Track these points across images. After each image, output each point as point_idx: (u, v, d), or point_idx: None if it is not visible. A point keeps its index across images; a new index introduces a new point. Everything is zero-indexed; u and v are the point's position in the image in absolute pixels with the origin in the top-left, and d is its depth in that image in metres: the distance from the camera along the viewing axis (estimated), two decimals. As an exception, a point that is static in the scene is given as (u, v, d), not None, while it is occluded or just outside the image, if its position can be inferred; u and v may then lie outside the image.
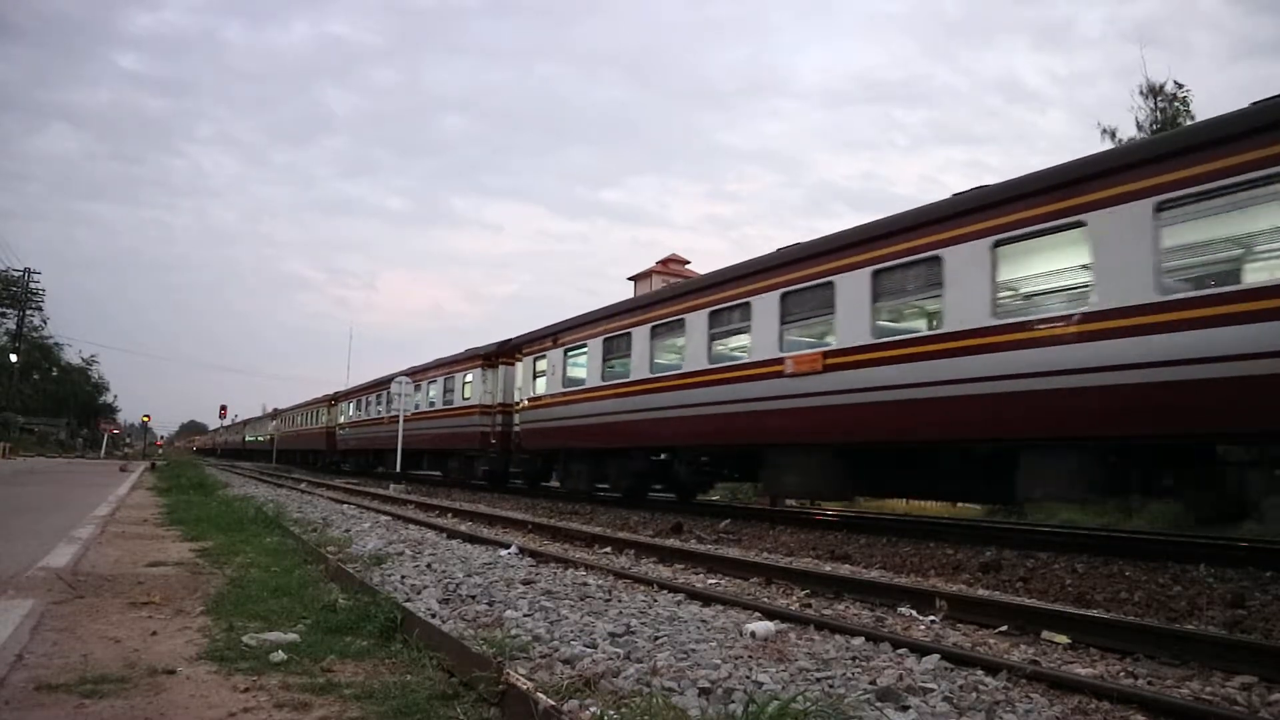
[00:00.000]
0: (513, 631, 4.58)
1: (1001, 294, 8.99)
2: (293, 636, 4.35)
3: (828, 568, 8.06)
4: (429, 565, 7.37)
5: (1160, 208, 7.49)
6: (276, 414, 55.13)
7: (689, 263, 42.34)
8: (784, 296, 11.56)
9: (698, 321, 13.30)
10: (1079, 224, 8.11)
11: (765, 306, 11.86)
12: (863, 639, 4.79)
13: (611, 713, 3.04)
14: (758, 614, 5.41)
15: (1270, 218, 7.19)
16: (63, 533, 8.66)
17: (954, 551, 8.88)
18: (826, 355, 10.73)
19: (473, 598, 5.77)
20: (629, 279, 43.19)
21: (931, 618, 5.61)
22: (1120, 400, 7.62)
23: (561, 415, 17.25)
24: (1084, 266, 8.20)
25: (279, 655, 3.97)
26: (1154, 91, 22.39)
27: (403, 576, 6.61)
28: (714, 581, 7.17)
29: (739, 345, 12.69)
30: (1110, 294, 7.78)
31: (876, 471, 11.15)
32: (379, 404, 31.03)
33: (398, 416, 25.74)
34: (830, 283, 10.78)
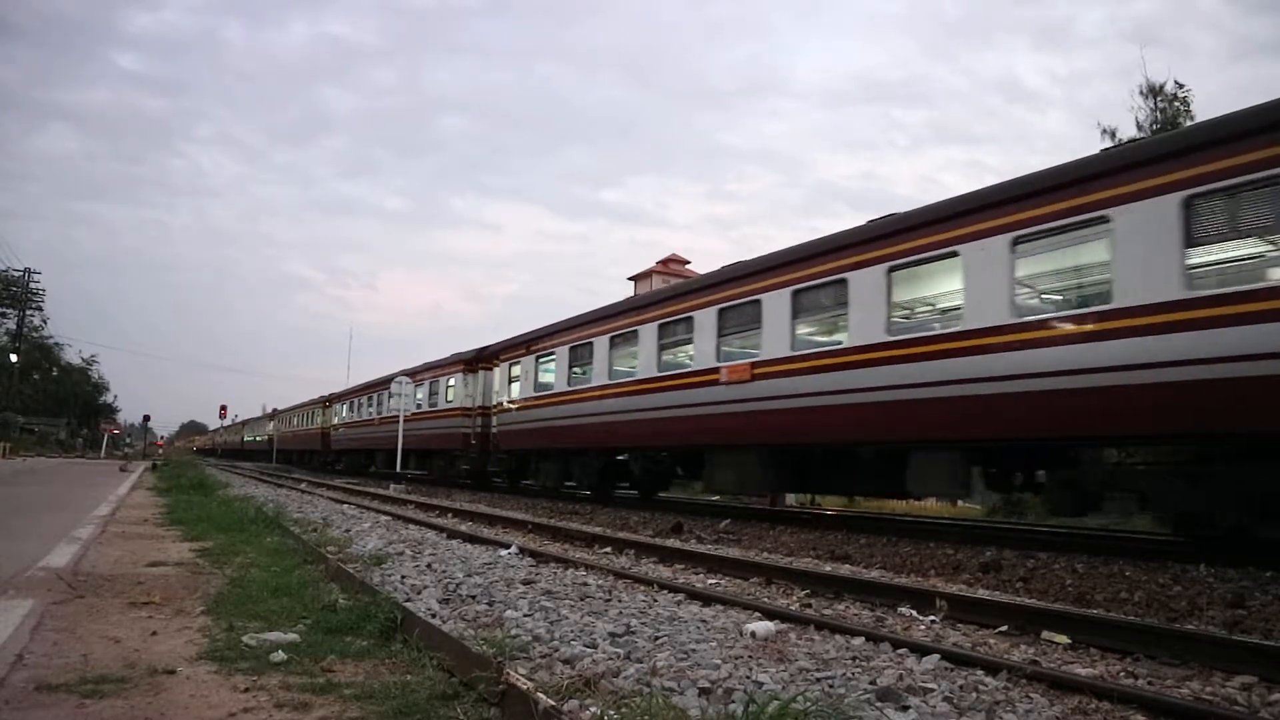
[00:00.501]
0: (513, 631, 4.58)
1: (895, 314, 10.17)
2: (293, 636, 4.35)
3: (828, 568, 8.06)
4: (429, 565, 7.37)
5: (1014, 243, 8.70)
6: (274, 415, 56.21)
7: (689, 262, 42.32)
8: (721, 312, 12.76)
9: (649, 333, 14.53)
10: (954, 254, 9.32)
11: (705, 321, 13.08)
12: (863, 639, 4.79)
13: (611, 713, 3.04)
14: (758, 614, 5.41)
15: (1095, 254, 8.32)
16: (63, 533, 8.65)
17: (954, 551, 8.87)
18: (754, 366, 11.93)
19: (473, 598, 5.77)
20: (629, 279, 43.17)
21: (931, 618, 5.61)
22: (982, 408, 8.75)
23: (533, 418, 18.45)
24: (956, 292, 9.39)
25: (279, 655, 3.97)
26: (1154, 91, 22.36)
27: (403, 576, 6.61)
28: (714, 581, 7.17)
29: (683, 355, 13.85)
30: (977, 316, 8.91)
31: (799, 470, 12.34)
32: (370, 405, 32.08)
33: (389, 417, 27.27)
34: (758, 300, 11.97)
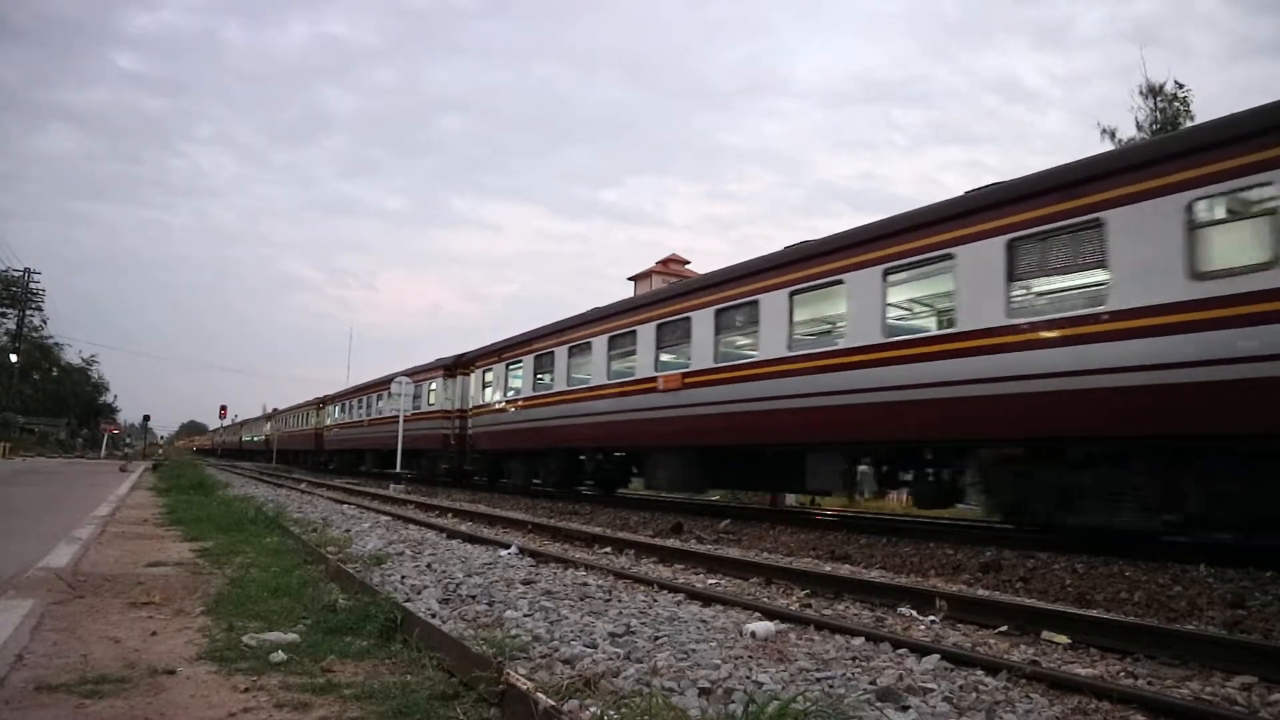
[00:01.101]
0: (513, 631, 4.58)
1: (795, 331, 11.64)
2: (293, 636, 4.35)
3: (828, 568, 8.07)
4: (429, 565, 7.37)
5: (885, 274, 10.20)
6: (271, 416, 57.41)
7: (689, 262, 42.29)
8: (659, 327, 14.36)
9: (601, 344, 16.07)
10: (840, 281, 10.81)
11: (646, 335, 14.67)
12: (863, 639, 4.79)
13: (611, 713, 3.04)
14: (758, 614, 5.41)
15: (943, 284, 9.77)
16: (63, 533, 8.65)
17: (954, 551, 8.88)
18: (685, 376, 13.47)
19: (473, 598, 5.77)
20: (629, 279, 43.15)
21: (931, 618, 5.61)
22: (859, 416, 10.25)
23: (504, 420, 20.18)
24: (841, 315, 10.99)
25: (279, 655, 3.97)
26: (1154, 92, 22.37)
27: (403, 576, 6.61)
28: (714, 581, 7.17)
29: (629, 365, 15.23)
30: (855, 337, 10.52)
31: (723, 468, 14.02)
32: (360, 407, 33.48)
33: (378, 419, 29.18)
34: (689, 318, 13.56)
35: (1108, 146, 21.44)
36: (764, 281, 12.07)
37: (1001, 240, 8.83)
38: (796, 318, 11.60)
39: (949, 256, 9.43)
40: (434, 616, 4.95)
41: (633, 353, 15.05)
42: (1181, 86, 22.31)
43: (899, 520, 13.34)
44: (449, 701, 3.34)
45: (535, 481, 19.56)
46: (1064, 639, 4.95)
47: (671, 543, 9.87)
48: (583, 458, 17.58)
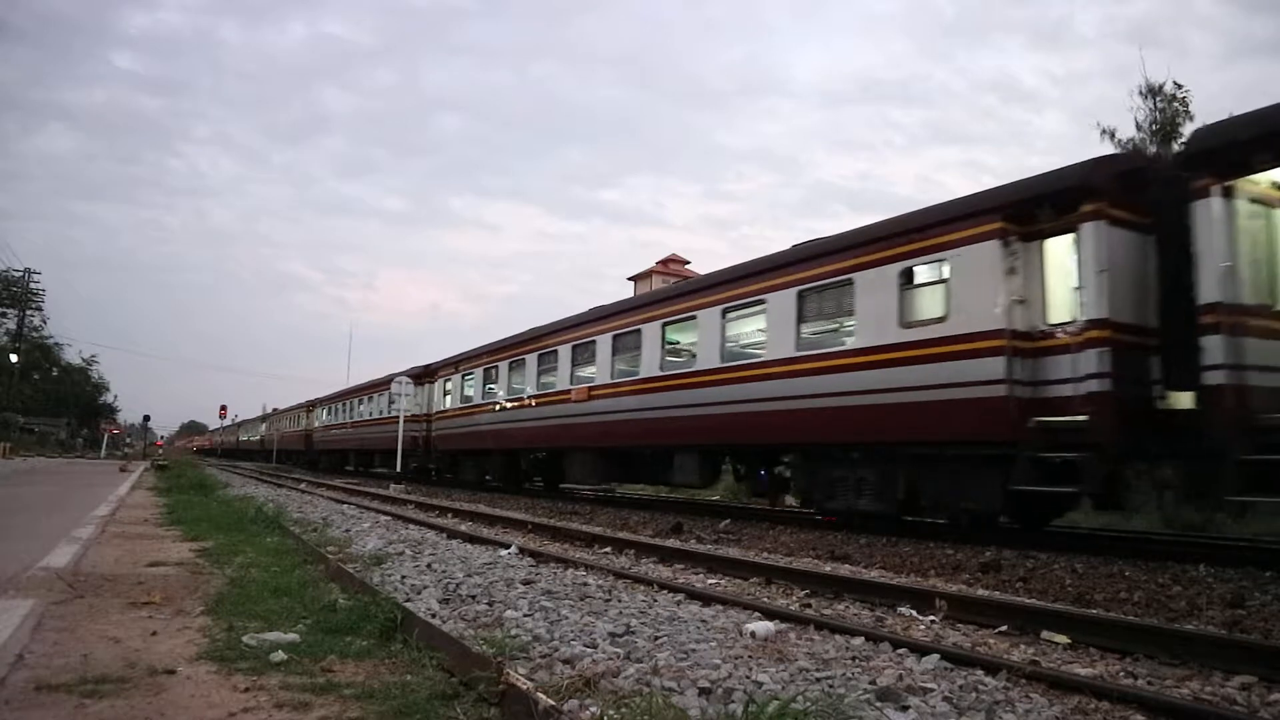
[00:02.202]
0: (513, 631, 4.59)
1: (665, 356, 14.48)
2: (293, 636, 4.35)
3: (828, 568, 8.06)
4: (429, 565, 7.37)
5: (724, 313, 13.08)
6: (266, 417, 60.05)
7: (689, 262, 42.26)
8: (574, 347, 17.26)
9: (532, 360, 19.08)
10: (693, 317, 13.76)
11: (565, 353, 17.59)
12: (863, 639, 4.79)
13: (611, 713, 3.04)
14: (758, 614, 5.41)
15: (759, 323, 12.51)
16: (63, 533, 8.66)
17: (954, 551, 8.87)
18: (591, 389, 16.27)
19: (473, 598, 5.77)
20: (629, 279, 43.13)
21: (931, 618, 5.60)
22: (706, 425, 13.09)
23: (459, 424, 23.07)
24: (695, 343, 13.77)
25: (279, 655, 3.97)
26: (1153, 92, 22.30)
27: (403, 576, 6.61)
28: (714, 581, 7.17)
29: (552, 379, 18.10)
30: (704, 361, 13.32)
31: (622, 465, 16.61)
32: (345, 410, 36.51)
33: (361, 421, 32.92)
34: (594, 340, 16.48)
35: (1108, 147, 21.36)
36: (644, 314, 15.09)
37: (794, 291, 11.62)
38: (666, 344, 14.51)
39: (762, 301, 12.27)
40: (434, 616, 4.95)
41: (555, 368, 18.00)
42: (1181, 87, 22.25)
43: (899, 520, 13.33)
44: (449, 701, 3.34)
45: (487, 478, 22.57)
46: (1064, 639, 4.95)
47: (671, 543, 9.87)
48: (521, 458, 20.61)
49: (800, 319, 11.56)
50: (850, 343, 10.67)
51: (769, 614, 5.39)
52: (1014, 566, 7.98)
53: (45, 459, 43.51)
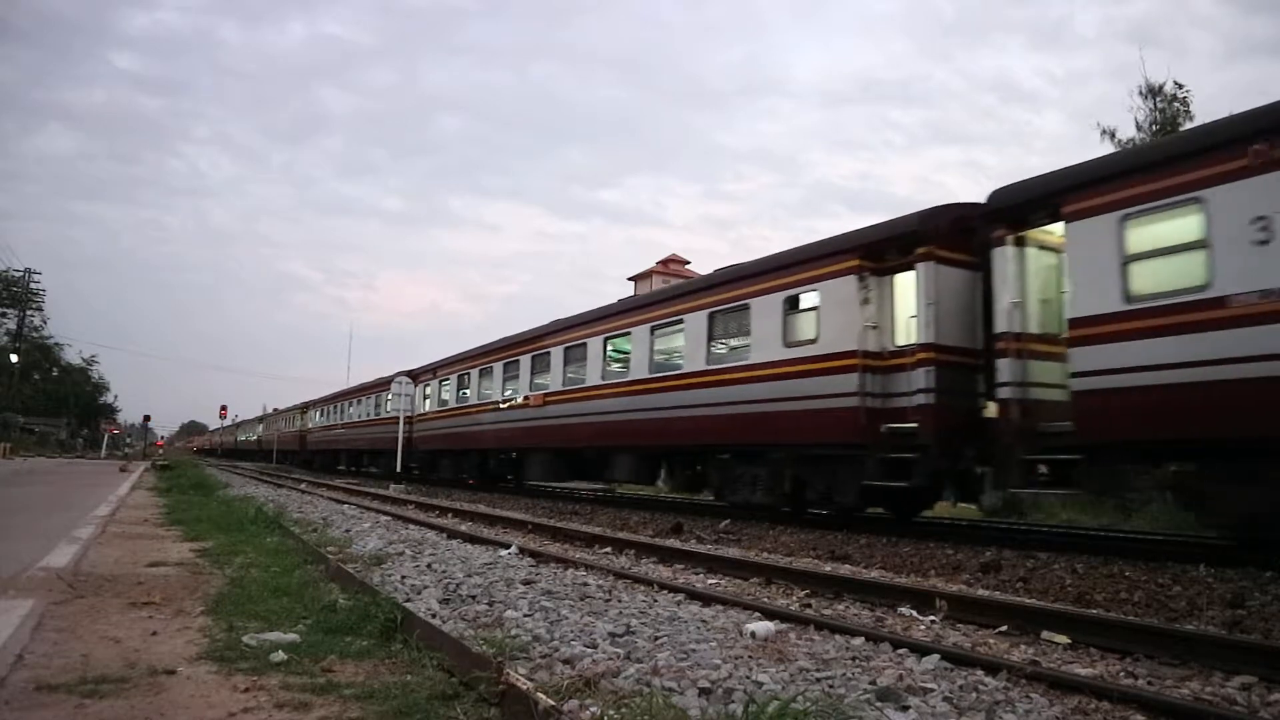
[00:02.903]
0: (513, 631, 4.59)
1: (607, 366, 16.14)
2: (293, 637, 4.35)
3: (828, 568, 8.06)
4: (429, 565, 7.37)
5: (653, 330, 14.81)
6: (263, 418, 61.85)
7: (689, 262, 42.25)
8: (534, 358, 19.05)
9: (499, 369, 20.91)
10: (628, 332, 15.53)
11: (525, 363, 19.41)
12: (863, 639, 4.79)
13: (611, 713, 3.05)
14: (758, 614, 5.41)
15: (679, 340, 14.16)
16: (63, 533, 8.66)
17: (954, 551, 8.87)
18: (545, 396, 18.08)
19: (473, 598, 5.77)
20: (629, 279, 43.12)
21: (931, 618, 5.61)
22: (640, 429, 14.68)
23: (436, 426, 25.06)
24: (628, 355, 15.47)
25: (279, 655, 3.97)
26: (1153, 92, 22.29)
27: (403, 576, 6.61)
28: (714, 581, 7.17)
29: (515, 386, 19.93)
30: (636, 372, 15.00)
31: (573, 465, 18.12)
32: (336, 413, 38.38)
33: (350, 422, 34.98)
34: (549, 351, 18.32)
35: (1108, 147, 21.39)
36: (590, 329, 16.85)
37: (706, 313, 13.39)
38: (608, 356, 16.18)
39: (681, 321, 14.04)
40: (434, 616, 4.95)
41: (517, 376, 19.79)
42: (1181, 87, 22.23)
43: (901, 520, 13.32)
44: (449, 701, 3.34)
45: (462, 475, 24.40)
46: (1064, 639, 4.95)
47: (671, 543, 9.87)
48: (490, 458, 22.33)
49: (711, 337, 13.36)
50: (748, 359, 12.40)
51: (769, 614, 5.39)
52: (1014, 566, 7.98)
53: (45, 459, 43.51)
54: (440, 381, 25.61)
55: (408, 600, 5.38)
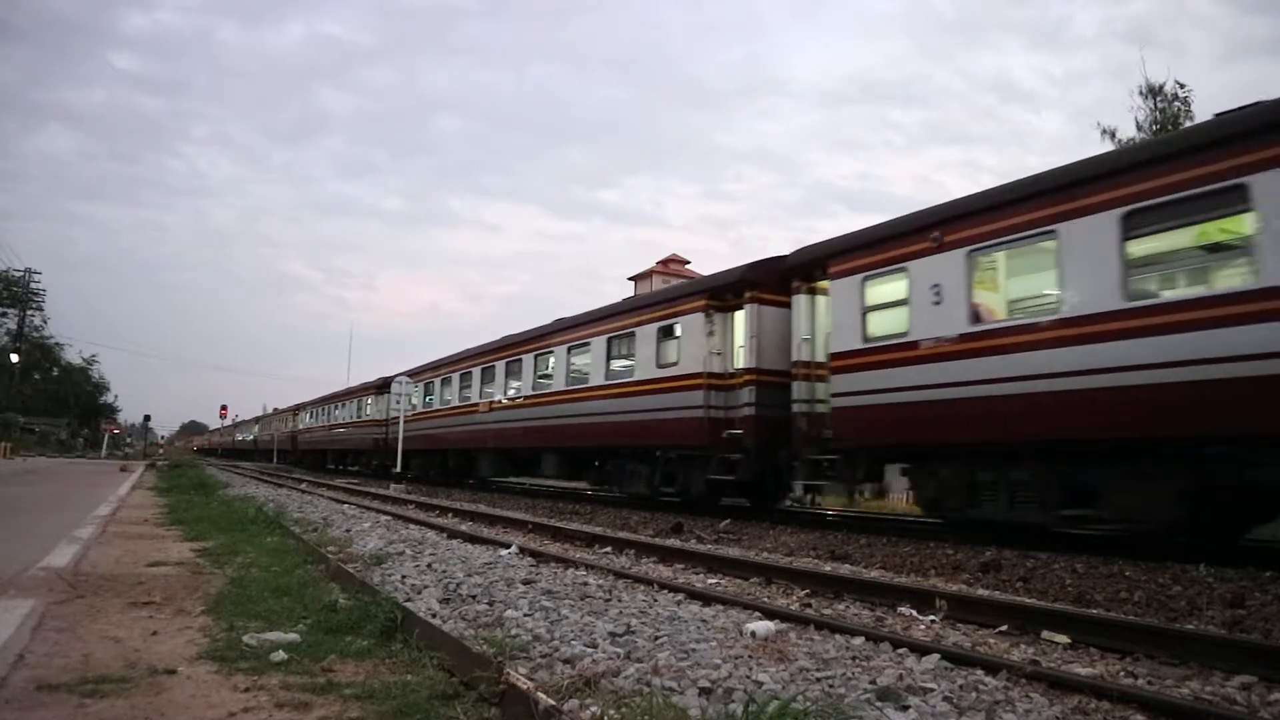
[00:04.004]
0: (513, 631, 4.58)
1: (537, 379, 18.68)
2: (293, 636, 4.35)
3: (828, 568, 8.06)
4: (429, 565, 7.37)
5: (569, 350, 17.35)
6: (260, 419, 64.31)
7: (689, 262, 42.22)
8: (483, 370, 21.78)
9: (456, 379, 23.94)
10: (551, 351, 18.20)
11: (476, 374, 22.27)
12: (863, 639, 4.79)
13: (612, 712, 3.05)
14: (758, 614, 5.41)
15: (588, 357, 16.74)
16: (63, 532, 8.66)
17: (954, 551, 8.88)
18: (491, 404, 21.01)
19: (473, 597, 5.77)
20: (629, 279, 43.09)
21: (931, 618, 5.61)
22: (563, 432, 17.12)
23: (409, 429, 26.35)
24: (552, 369, 18.13)
25: (279, 655, 3.97)
26: (1154, 92, 22.30)
27: (403, 576, 6.61)
28: (714, 581, 7.17)
29: (469, 394, 22.70)
30: (558, 384, 17.64)
31: (513, 463, 21.13)
32: (324, 414, 41.29)
33: (337, 423, 37.92)
34: (494, 365, 21.11)
35: (1109, 146, 21.42)
36: (525, 347, 19.42)
37: (605, 337, 16.01)
38: (537, 370, 18.77)
39: (588, 343, 16.69)
40: (434, 616, 4.95)
41: (471, 386, 22.47)
42: (1183, 86, 22.25)
43: (899, 520, 13.34)
44: (449, 701, 3.34)
45: (429, 472, 27.00)
46: (1064, 639, 4.95)
47: (671, 542, 9.87)
48: (450, 457, 25.21)
49: (609, 357, 15.84)
50: (634, 376, 14.92)
51: (769, 614, 5.39)
52: (1014, 566, 7.98)
53: (46, 459, 43.51)
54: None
55: (408, 600, 5.38)
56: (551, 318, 19.79)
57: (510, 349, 20.33)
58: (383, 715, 3.23)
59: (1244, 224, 7.22)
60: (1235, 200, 7.18)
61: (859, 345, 10.70)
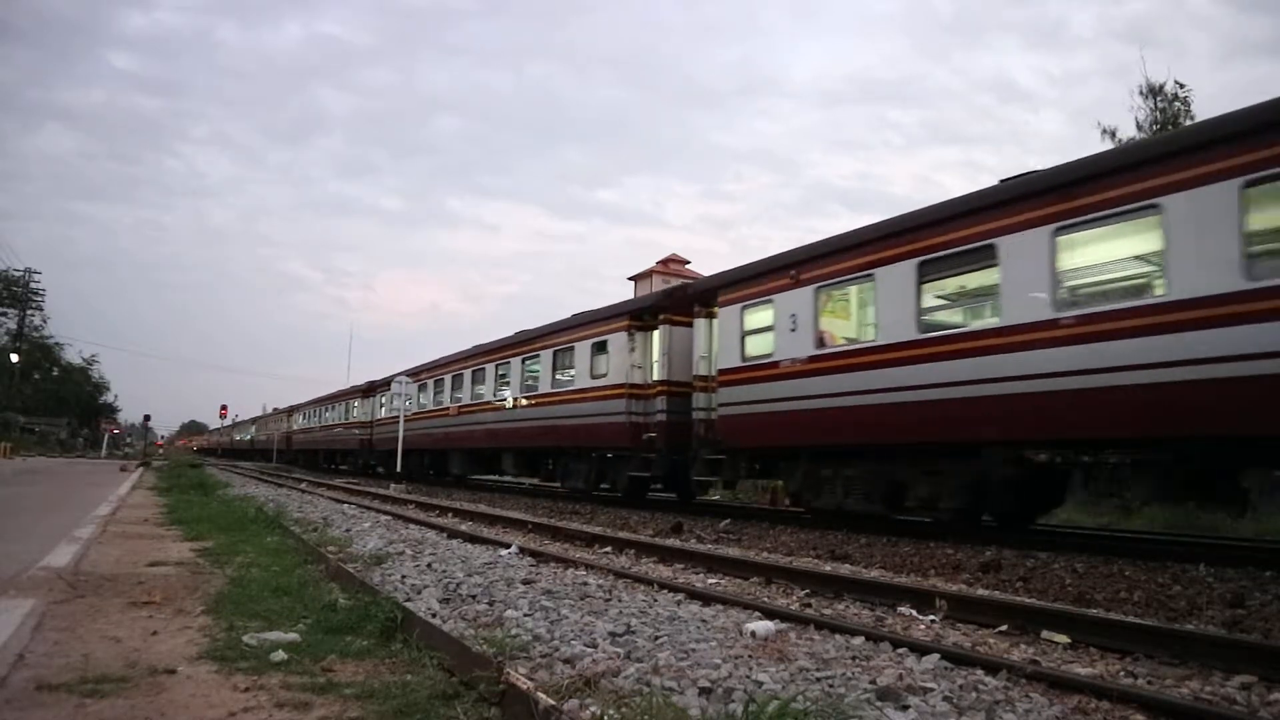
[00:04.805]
0: (513, 631, 4.58)
1: (498, 386, 21.10)
2: (293, 636, 4.35)
3: (828, 567, 8.06)
4: (429, 565, 7.37)
5: (523, 361, 19.72)
6: (256, 420, 66.23)
7: (689, 262, 42.24)
8: (454, 377, 24.26)
9: (431, 385, 26.19)
10: (484, 369, 21.91)
11: (447, 380, 24.74)
12: (863, 639, 4.79)
13: (611, 712, 3.04)
14: (758, 613, 5.41)
15: (537, 368, 19.17)
16: (63, 532, 8.66)
17: (954, 551, 8.88)
18: (460, 408, 23.47)
19: (473, 597, 5.77)
20: (629, 279, 43.10)
21: (931, 617, 5.61)
22: (514, 435, 19.75)
23: (389, 431, 28.86)
24: (485, 385, 21.87)
25: (279, 655, 3.97)
26: (1154, 91, 22.27)
27: (403, 576, 6.62)
28: (714, 581, 7.17)
29: (442, 398, 25.17)
30: (513, 390, 20.08)
31: (478, 462, 23.27)
32: (315, 416, 44.28)
33: (327, 424, 40.98)
34: (462, 373, 23.62)
35: (1109, 145, 21.40)
36: (490, 357, 21.75)
37: (551, 350, 18.41)
38: (497, 378, 21.20)
39: (537, 355, 19.01)
40: (434, 616, 4.95)
41: (443, 392, 25.13)
42: (1183, 86, 22.22)
43: (899, 520, 13.34)
44: (449, 701, 3.34)
45: (411, 471, 28.64)
46: (1064, 639, 4.95)
47: (671, 542, 9.87)
48: (424, 456, 27.69)
49: (555, 368, 18.12)
50: (574, 385, 17.19)
51: (769, 613, 5.39)
52: (1014, 566, 7.98)
53: (46, 459, 43.52)
54: (390, 394, 30.78)
55: (408, 600, 5.39)
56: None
57: (476, 358, 22.62)
58: (383, 715, 3.23)
59: (993, 275, 9.20)
60: (986, 256, 9.25)
61: (739, 363, 12.83)
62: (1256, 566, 7.21)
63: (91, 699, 3.28)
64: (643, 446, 14.80)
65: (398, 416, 25.50)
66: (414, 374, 27.22)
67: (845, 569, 8.05)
